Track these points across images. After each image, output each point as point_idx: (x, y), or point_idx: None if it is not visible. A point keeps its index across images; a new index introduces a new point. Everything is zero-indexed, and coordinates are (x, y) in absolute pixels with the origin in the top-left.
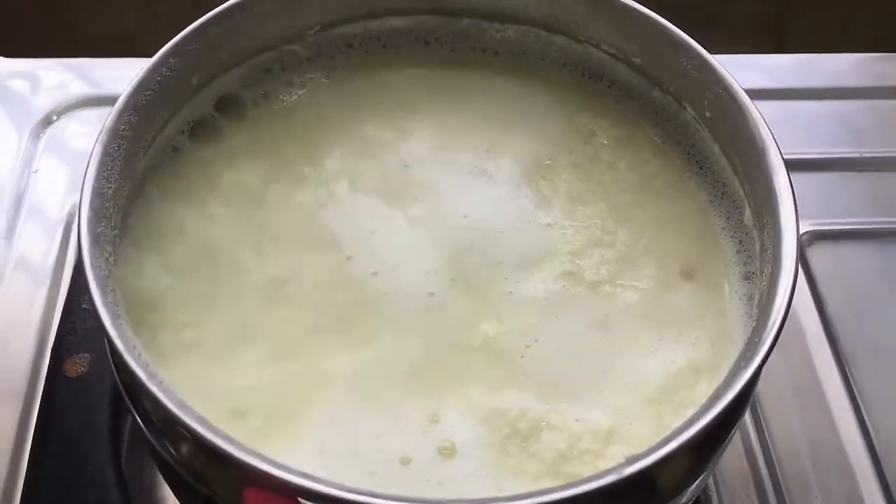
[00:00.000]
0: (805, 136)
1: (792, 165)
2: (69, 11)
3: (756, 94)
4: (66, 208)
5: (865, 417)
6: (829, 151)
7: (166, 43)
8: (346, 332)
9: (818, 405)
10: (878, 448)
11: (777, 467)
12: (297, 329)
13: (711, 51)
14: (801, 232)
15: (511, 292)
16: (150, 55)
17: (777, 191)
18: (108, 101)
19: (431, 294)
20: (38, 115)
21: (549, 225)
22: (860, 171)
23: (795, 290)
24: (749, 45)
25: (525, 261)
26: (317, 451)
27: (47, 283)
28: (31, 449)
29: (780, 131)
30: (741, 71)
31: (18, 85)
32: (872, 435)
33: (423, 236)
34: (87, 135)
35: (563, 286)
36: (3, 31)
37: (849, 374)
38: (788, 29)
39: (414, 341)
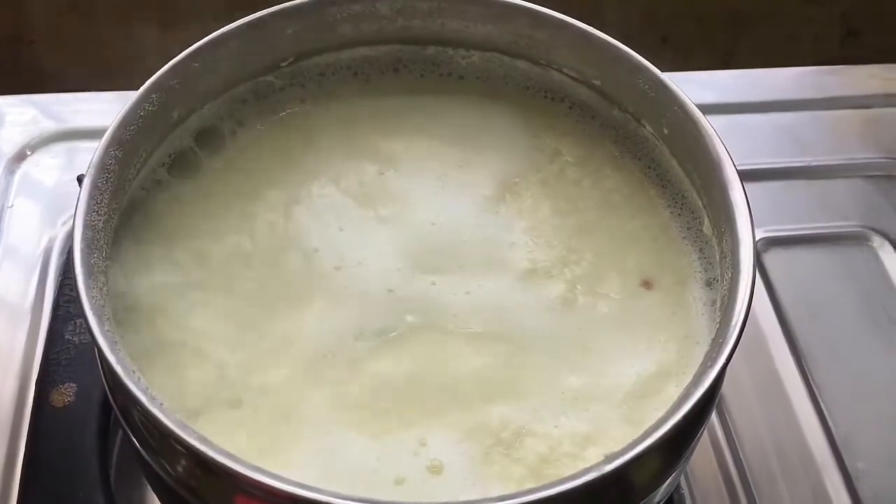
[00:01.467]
0: (754, 148)
1: (743, 176)
2: (31, 46)
3: (705, 109)
4: (43, 242)
5: (825, 411)
6: (778, 161)
7: (129, 77)
8: (310, 327)
9: (780, 402)
10: (837, 440)
11: (745, 463)
12: (267, 334)
13: (663, 69)
14: (756, 239)
15: (468, 293)
16: (113, 89)
17: (733, 202)
18: (79, 134)
19: (391, 291)
20: (11, 151)
21: (514, 239)
22: (808, 179)
23: (755, 294)
24: (698, 63)
25: (487, 268)
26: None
27: (27, 317)
28: (20, 479)
29: (729, 143)
30: (690, 87)
31: None
32: (832, 428)
33: (389, 237)
34: (59, 168)
35: (526, 294)
36: None
37: (807, 371)
38: (735, 48)
39: (374, 336)
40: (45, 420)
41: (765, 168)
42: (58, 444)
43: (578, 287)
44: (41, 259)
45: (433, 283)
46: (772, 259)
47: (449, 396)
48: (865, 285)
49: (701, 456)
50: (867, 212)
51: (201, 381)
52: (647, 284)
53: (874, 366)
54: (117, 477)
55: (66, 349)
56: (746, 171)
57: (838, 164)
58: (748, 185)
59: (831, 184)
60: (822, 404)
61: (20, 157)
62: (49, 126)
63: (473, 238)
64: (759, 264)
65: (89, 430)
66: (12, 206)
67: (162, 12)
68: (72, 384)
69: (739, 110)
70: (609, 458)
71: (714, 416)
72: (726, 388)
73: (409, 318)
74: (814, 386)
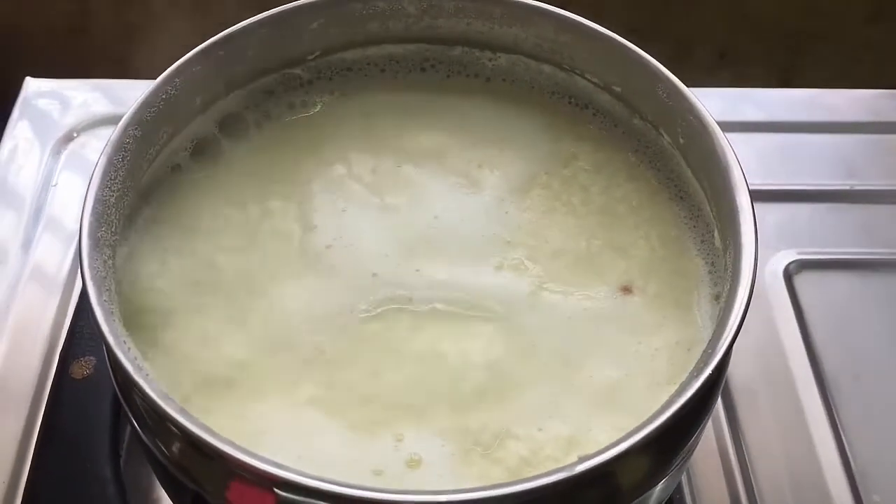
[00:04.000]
0: (799, 169)
1: (783, 196)
2: (95, 37)
3: (755, 127)
4: None
5: (845, 442)
6: (821, 183)
7: None
8: (290, 304)
9: (799, 429)
10: (855, 471)
11: (755, 489)
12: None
13: (719, 86)
14: (789, 261)
15: (450, 285)
16: None
17: (739, 207)
18: None
19: (375, 274)
20: (61, 132)
21: (510, 238)
22: (851, 202)
23: (782, 316)
24: (756, 82)
25: (476, 263)
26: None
27: (60, 290)
28: (35, 446)
29: (775, 163)
30: (742, 104)
31: (44, 103)
32: (851, 459)
33: (387, 224)
34: None
35: (510, 292)
36: (34, 53)
37: (830, 400)
38: (794, 68)
39: (352, 318)
40: (63, 391)
41: (806, 189)
42: (73, 415)
43: (566, 290)
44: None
45: (417, 271)
46: (803, 282)
47: (423, 391)
48: None
49: (711, 479)
50: None
51: (184, 356)
52: (650, 292)
53: None
54: (128, 451)
55: (90, 323)
56: (786, 192)
57: (883, 190)
58: (787, 206)
59: (875, 209)
60: (842, 434)
61: (68, 138)
62: (99, 110)
63: (471, 234)
64: (789, 287)
65: (104, 404)
66: (56, 184)
67: (224, 4)
68: (91, 357)
69: (790, 130)
70: (582, 459)
71: (728, 439)
72: (743, 412)
73: (389, 304)
74: (836, 416)
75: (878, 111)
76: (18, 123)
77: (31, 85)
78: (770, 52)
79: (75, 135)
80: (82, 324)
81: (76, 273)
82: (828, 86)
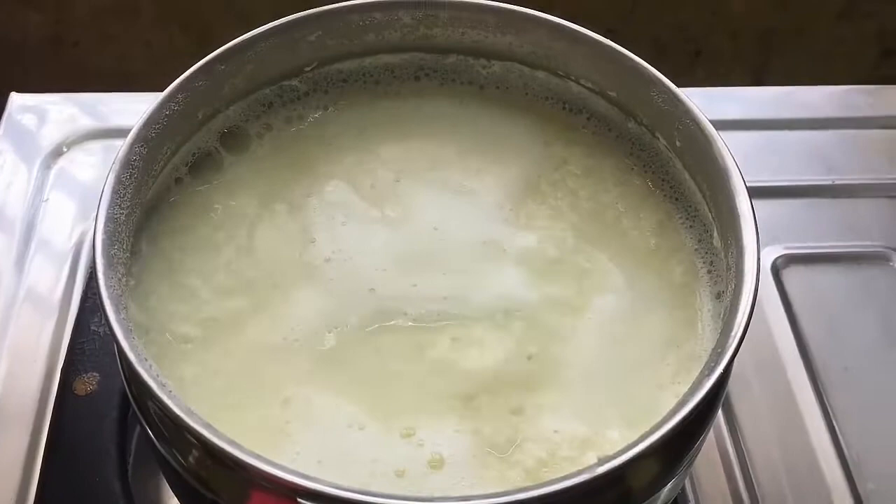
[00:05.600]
0: (780, 165)
1: (767, 192)
2: (75, 48)
3: (734, 125)
4: (75, 236)
5: (838, 432)
6: (803, 179)
7: (167, 78)
8: (288, 315)
9: (793, 421)
10: (849, 460)
11: (754, 481)
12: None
13: (694, 84)
14: (776, 256)
15: (446, 297)
16: (151, 90)
17: (739, 211)
18: (115, 133)
19: (372, 290)
20: (49, 147)
21: (511, 246)
22: (833, 197)
23: (772, 311)
24: (731, 79)
25: (479, 274)
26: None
27: (56, 308)
28: (41, 463)
29: (756, 160)
30: (721, 103)
31: (29, 119)
32: (844, 448)
33: (387, 237)
34: (94, 165)
35: (518, 300)
36: (14, 67)
37: (822, 391)
38: (768, 64)
39: (348, 330)
40: (67, 407)
41: (789, 185)
42: (78, 430)
43: (566, 294)
44: (72, 252)
45: (414, 286)
46: (791, 276)
47: (433, 397)
48: (885, 306)
49: (710, 471)
50: (890, 232)
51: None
52: (655, 293)
53: (890, 387)
54: (135, 465)
55: (91, 339)
56: (770, 188)
57: (864, 184)
58: (771, 202)
59: (855, 203)
60: (835, 424)
61: (56, 153)
62: (86, 124)
63: (470, 245)
64: (777, 281)
65: (109, 419)
66: (47, 200)
67: (202, 16)
68: (95, 373)
69: (768, 127)
70: (602, 461)
71: (725, 432)
72: (738, 404)
73: (386, 320)
74: (828, 406)
75: (853, 107)
76: (4, 140)
77: (15, 100)
78: (743, 50)
79: (64, 149)
80: (83, 340)
81: (72, 290)
82: (800, 82)
